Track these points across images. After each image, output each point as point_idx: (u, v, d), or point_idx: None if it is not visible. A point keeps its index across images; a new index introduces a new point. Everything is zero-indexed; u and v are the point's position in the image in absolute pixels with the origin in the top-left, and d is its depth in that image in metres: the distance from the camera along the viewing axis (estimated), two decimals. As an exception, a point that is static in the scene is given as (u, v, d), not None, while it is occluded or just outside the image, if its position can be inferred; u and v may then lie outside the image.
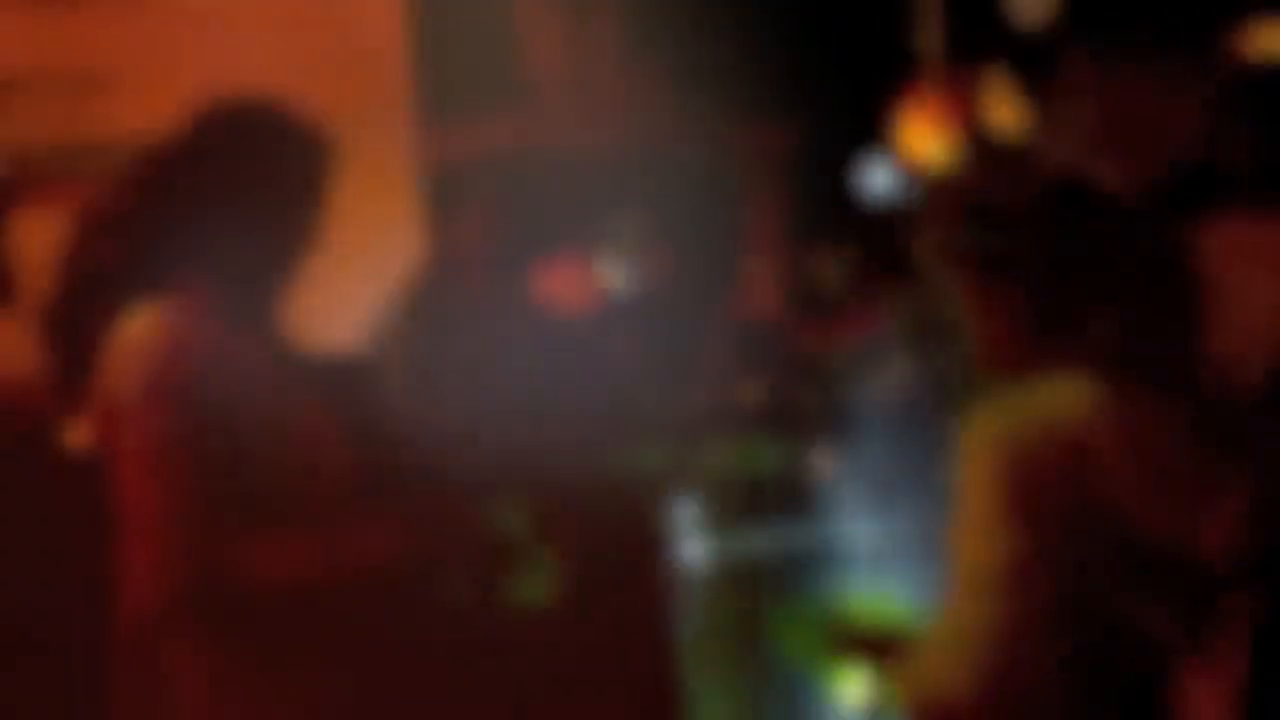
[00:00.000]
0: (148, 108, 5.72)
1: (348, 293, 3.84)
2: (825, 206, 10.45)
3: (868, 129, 8.85)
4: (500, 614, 1.80)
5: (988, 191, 1.48)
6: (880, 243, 3.30)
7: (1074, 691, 1.32)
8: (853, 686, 1.48)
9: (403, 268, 5.13)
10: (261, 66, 5.50)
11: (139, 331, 1.62)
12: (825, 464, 2.79)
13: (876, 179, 9.01)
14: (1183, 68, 8.32)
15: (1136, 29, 8.03)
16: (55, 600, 2.20)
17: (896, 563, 2.26)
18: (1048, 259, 1.39)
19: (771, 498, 2.59)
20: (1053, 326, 1.39)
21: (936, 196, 3.11)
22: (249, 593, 1.60)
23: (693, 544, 2.18)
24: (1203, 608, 1.37)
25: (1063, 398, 1.35)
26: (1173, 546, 1.33)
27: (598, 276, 6.71)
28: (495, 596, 1.78)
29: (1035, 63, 8.31)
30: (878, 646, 1.49)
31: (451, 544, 1.82)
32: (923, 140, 11.97)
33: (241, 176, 1.70)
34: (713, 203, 12.63)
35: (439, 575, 1.83)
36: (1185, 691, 1.37)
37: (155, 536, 1.58)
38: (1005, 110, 8.74)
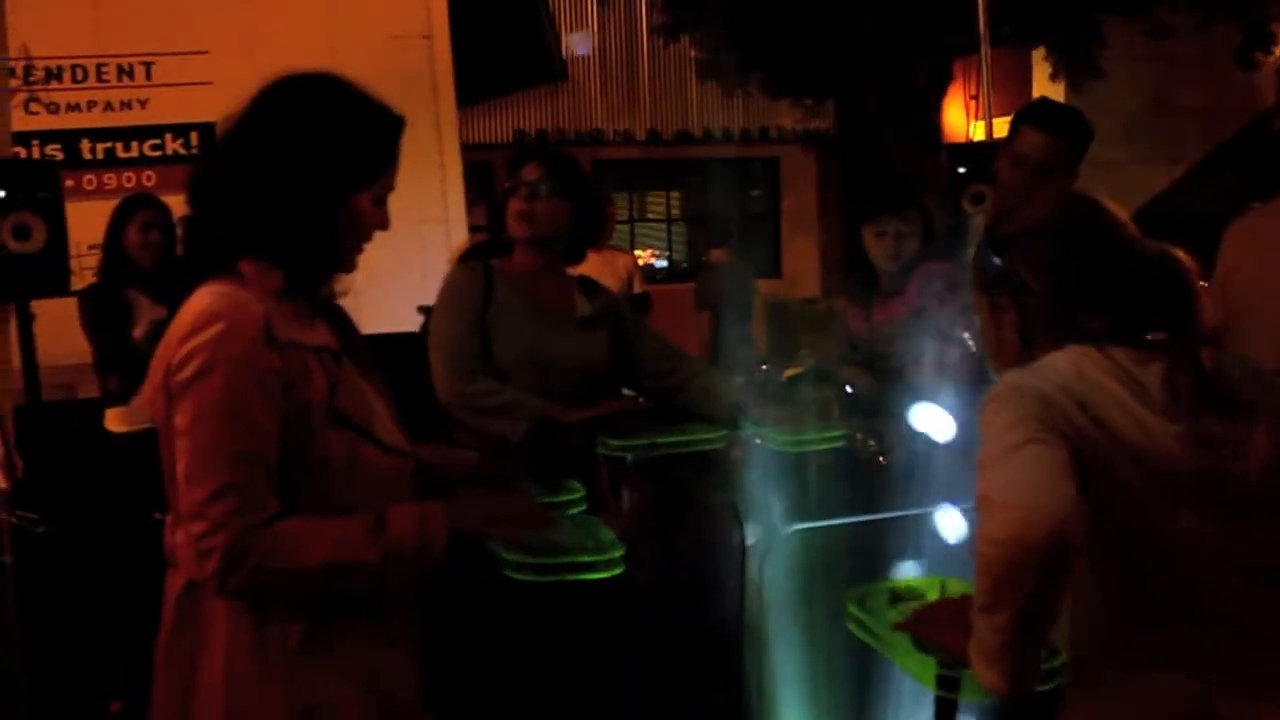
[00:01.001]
0: (193, 92, 5.80)
1: (393, 275, 3.88)
2: (867, 186, 10.42)
3: (908, 109, 8.78)
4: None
5: (998, 216, 1.71)
6: (923, 221, 3.23)
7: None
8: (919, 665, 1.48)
9: (446, 250, 5.14)
10: (313, 49, 5.55)
11: (204, 306, 1.64)
12: (880, 446, 2.76)
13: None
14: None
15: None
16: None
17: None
18: (1047, 280, 1.57)
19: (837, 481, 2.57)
20: (1051, 335, 1.55)
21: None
22: (280, 573, 1.61)
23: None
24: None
25: (1067, 361, 1.50)
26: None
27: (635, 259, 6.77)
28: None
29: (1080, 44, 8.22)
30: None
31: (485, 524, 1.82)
32: (969, 120, 11.94)
33: (308, 148, 1.67)
34: (753, 184, 12.63)
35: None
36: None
37: (198, 500, 1.59)
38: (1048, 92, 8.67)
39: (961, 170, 3.92)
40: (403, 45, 6.05)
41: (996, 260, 1.62)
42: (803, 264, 12.26)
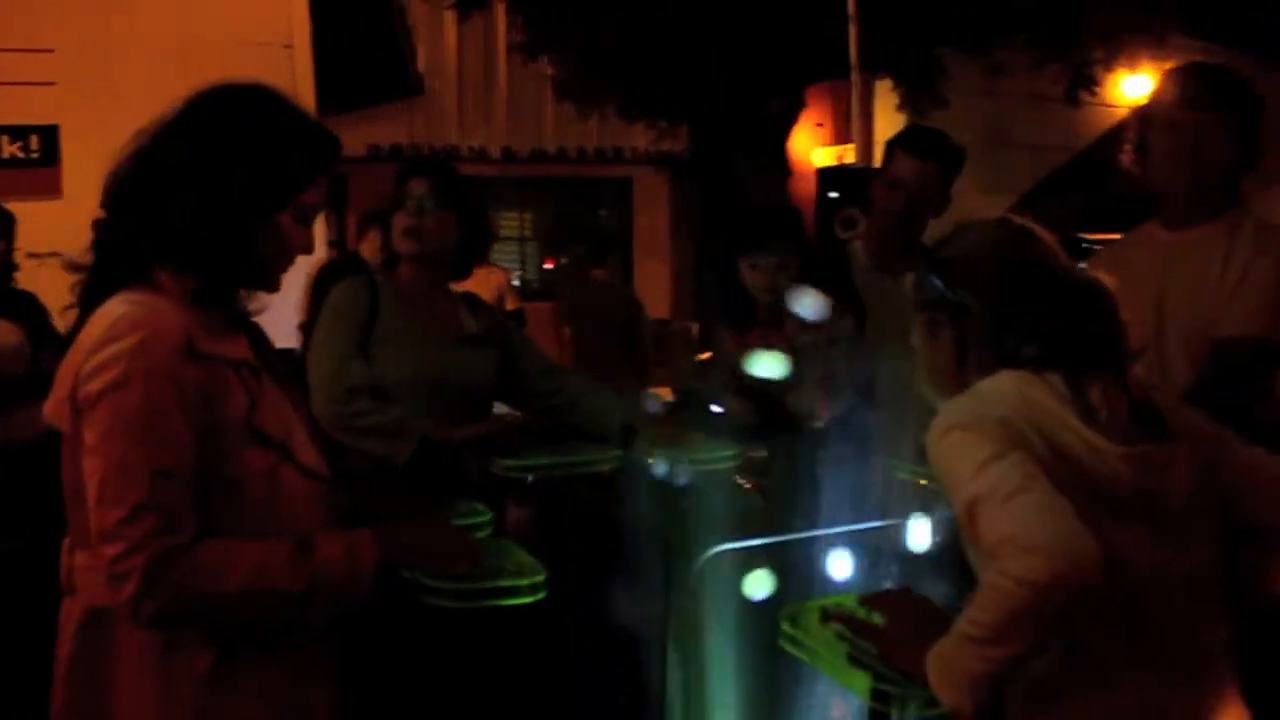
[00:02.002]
0: (35, 92, 5.49)
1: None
2: (718, 211, 10.58)
3: (760, 135, 8.97)
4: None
5: (939, 240, 1.78)
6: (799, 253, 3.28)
7: None
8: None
9: (308, 265, 5.00)
10: (166, 52, 5.33)
11: (120, 314, 1.56)
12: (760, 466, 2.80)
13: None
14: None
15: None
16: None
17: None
18: (985, 303, 1.63)
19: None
20: (985, 356, 1.63)
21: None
22: (200, 599, 1.53)
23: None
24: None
25: (1009, 386, 1.56)
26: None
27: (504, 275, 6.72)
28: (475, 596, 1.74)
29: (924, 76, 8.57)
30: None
31: (414, 555, 1.77)
32: (813, 147, 12.28)
33: (234, 159, 1.62)
34: (605, 205, 12.70)
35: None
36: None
37: (113, 520, 1.50)
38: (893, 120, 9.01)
39: (833, 194, 4.01)
40: (263, 53, 5.87)
41: (937, 282, 1.67)
42: (655, 285, 12.35)
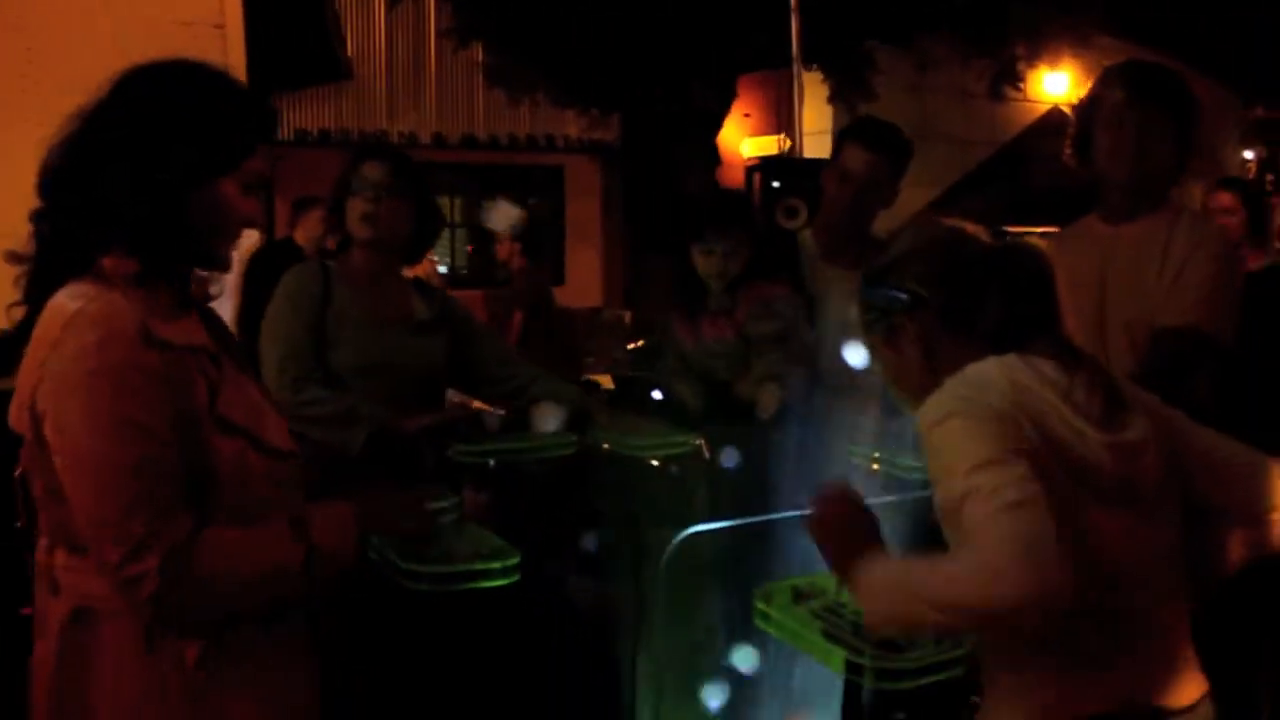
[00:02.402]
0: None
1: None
2: (649, 200, 10.59)
3: (691, 124, 9.00)
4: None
5: (872, 259, 1.76)
6: (750, 240, 3.30)
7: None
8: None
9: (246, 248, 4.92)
10: (95, 30, 5.20)
11: (74, 310, 1.53)
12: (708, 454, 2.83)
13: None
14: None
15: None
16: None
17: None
18: (939, 287, 1.64)
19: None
20: (952, 343, 1.64)
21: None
22: (219, 585, 1.53)
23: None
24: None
25: (998, 373, 1.55)
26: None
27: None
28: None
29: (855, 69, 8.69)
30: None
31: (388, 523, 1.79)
32: (744, 137, 12.37)
33: (160, 128, 1.59)
34: (536, 193, 12.66)
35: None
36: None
37: (111, 522, 1.49)
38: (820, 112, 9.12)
39: (775, 184, 4.04)
40: (193, 33, 5.72)
41: (883, 290, 1.68)
42: (586, 273, 12.38)
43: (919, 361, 1.66)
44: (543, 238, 10.17)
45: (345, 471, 2.56)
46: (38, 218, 1.64)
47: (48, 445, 1.54)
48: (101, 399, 1.49)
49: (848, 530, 1.55)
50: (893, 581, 1.45)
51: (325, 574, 1.62)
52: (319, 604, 1.73)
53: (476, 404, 3.30)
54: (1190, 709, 1.57)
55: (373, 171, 2.77)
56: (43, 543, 1.64)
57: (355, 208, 2.78)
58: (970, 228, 1.72)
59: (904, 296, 1.66)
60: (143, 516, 1.47)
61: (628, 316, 10.39)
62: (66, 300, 1.55)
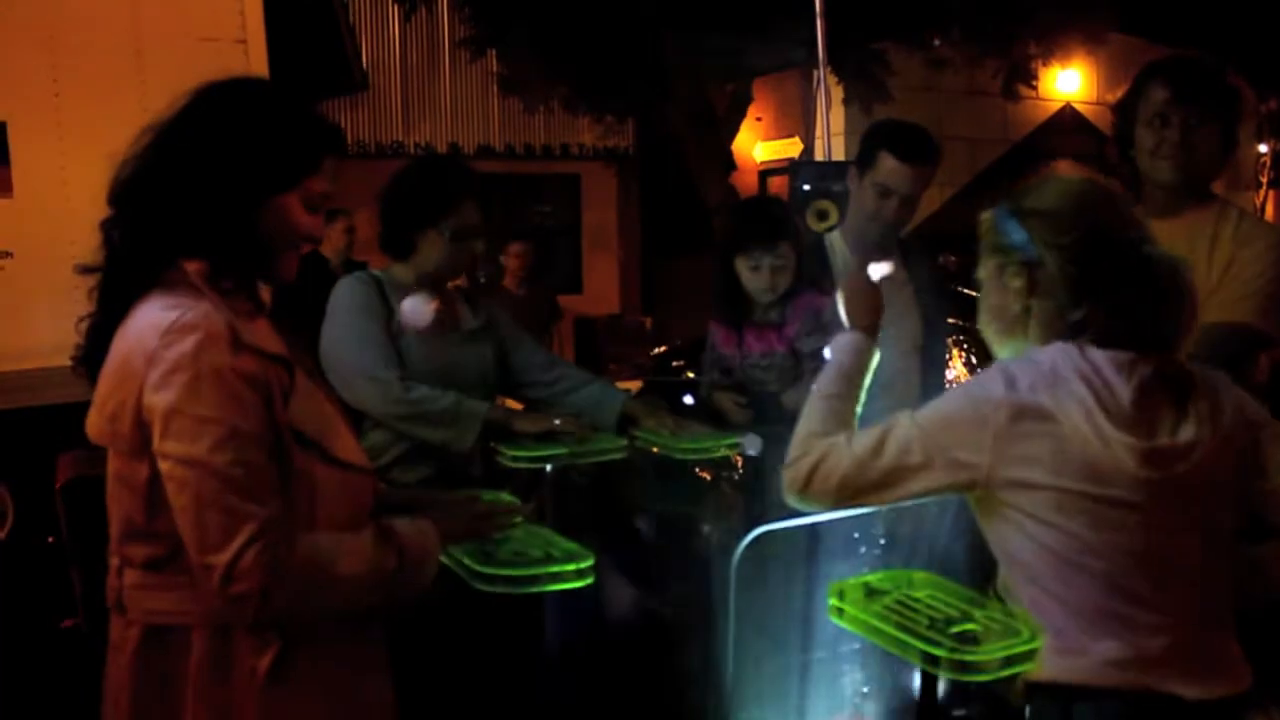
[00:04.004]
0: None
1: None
2: (665, 206, 10.64)
3: (706, 129, 9.03)
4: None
5: (1022, 189, 1.76)
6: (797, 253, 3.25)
7: None
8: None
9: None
10: (118, 46, 5.23)
11: (170, 320, 1.56)
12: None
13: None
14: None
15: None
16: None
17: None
18: (1062, 261, 1.66)
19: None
20: (1051, 313, 1.67)
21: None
22: (321, 584, 1.56)
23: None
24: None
25: (1045, 355, 1.64)
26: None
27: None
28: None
29: (869, 71, 8.70)
30: None
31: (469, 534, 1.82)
32: (757, 141, 12.38)
33: (225, 144, 1.64)
34: (552, 201, 12.68)
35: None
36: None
37: (216, 525, 1.51)
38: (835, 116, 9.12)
39: (806, 187, 4.04)
40: (216, 49, 5.76)
41: (1017, 230, 1.68)
42: (603, 280, 12.39)
43: (1017, 310, 1.69)
44: (559, 246, 10.25)
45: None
46: (108, 226, 1.68)
47: (143, 458, 1.56)
48: (203, 404, 1.51)
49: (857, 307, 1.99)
50: (822, 387, 1.85)
51: (412, 583, 1.65)
52: (396, 617, 1.76)
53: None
54: (1216, 703, 1.60)
55: (471, 215, 2.79)
56: (113, 563, 1.66)
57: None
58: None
59: (1032, 249, 1.67)
60: (252, 521, 1.50)
61: (648, 323, 10.42)
62: (159, 311, 1.58)
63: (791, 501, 1.75)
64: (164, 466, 1.54)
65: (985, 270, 1.75)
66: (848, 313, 2.04)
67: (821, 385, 1.86)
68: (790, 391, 3.03)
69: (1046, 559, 1.62)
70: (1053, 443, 1.58)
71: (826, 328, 3.01)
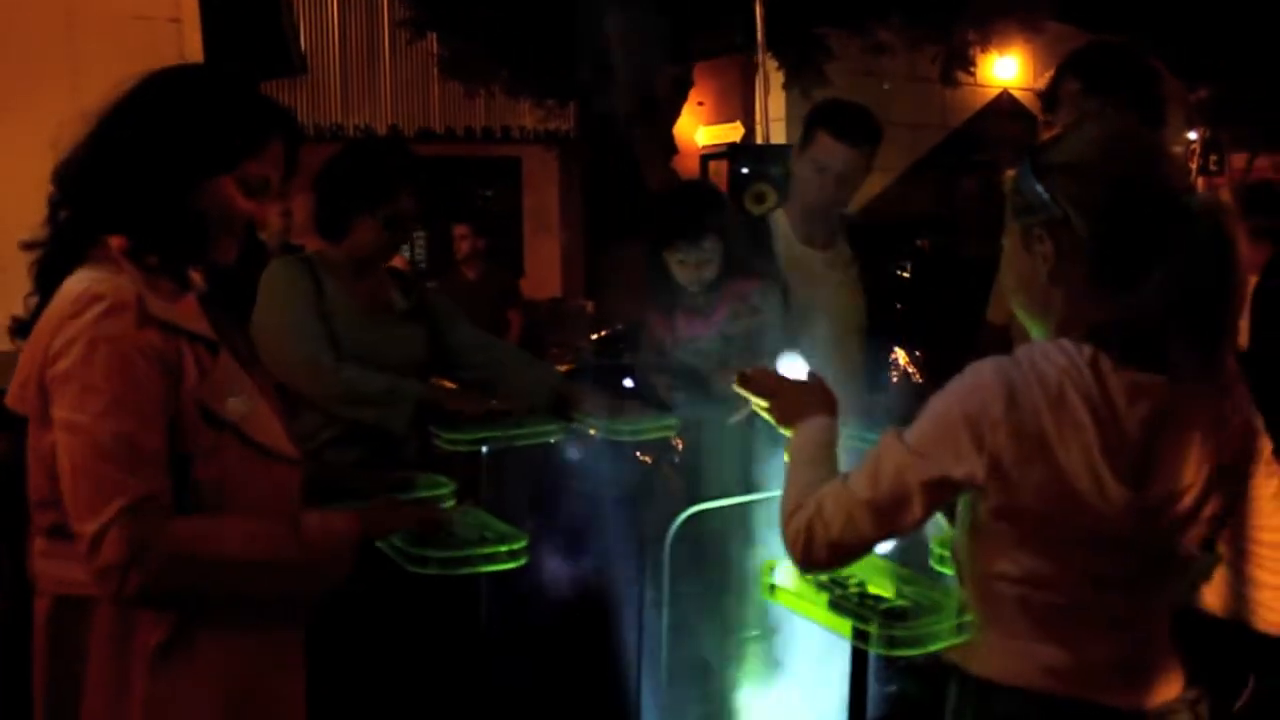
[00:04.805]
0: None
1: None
2: (607, 190, 10.61)
3: (648, 113, 9.02)
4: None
5: (1044, 142, 1.60)
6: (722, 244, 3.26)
7: None
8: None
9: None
10: (50, 23, 5.12)
11: (81, 290, 1.57)
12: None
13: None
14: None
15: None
16: None
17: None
18: (1091, 221, 1.47)
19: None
20: (1080, 282, 1.50)
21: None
22: (192, 565, 1.53)
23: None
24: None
25: (1054, 374, 1.46)
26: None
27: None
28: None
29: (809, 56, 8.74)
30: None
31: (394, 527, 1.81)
32: (699, 125, 12.39)
33: (163, 125, 1.65)
34: (494, 185, 12.62)
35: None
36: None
37: (89, 492, 1.50)
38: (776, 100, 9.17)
39: (745, 170, 4.06)
40: (149, 27, 5.65)
41: (1039, 188, 1.51)
42: (545, 264, 12.36)
43: (1044, 280, 1.53)
44: (501, 229, 10.19)
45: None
46: (53, 203, 1.69)
47: (47, 425, 1.56)
48: (98, 374, 1.52)
49: (797, 394, 1.81)
50: (800, 458, 1.67)
51: (320, 577, 1.64)
52: (316, 607, 1.74)
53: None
54: (1165, 709, 1.56)
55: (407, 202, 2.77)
56: (35, 539, 1.65)
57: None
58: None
59: (1054, 208, 1.50)
60: (124, 492, 1.49)
61: (589, 306, 10.41)
62: (74, 282, 1.60)
63: (800, 569, 1.59)
64: (54, 432, 1.54)
65: (1010, 236, 1.59)
66: (787, 419, 1.81)
67: (796, 457, 1.69)
68: (718, 377, 3.06)
69: (1014, 569, 1.54)
70: (1047, 472, 1.46)
71: (755, 310, 3.09)
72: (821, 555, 1.52)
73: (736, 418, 2.84)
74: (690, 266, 3.11)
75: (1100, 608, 1.53)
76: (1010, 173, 1.58)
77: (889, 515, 1.50)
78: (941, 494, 1.51)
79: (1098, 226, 1.48)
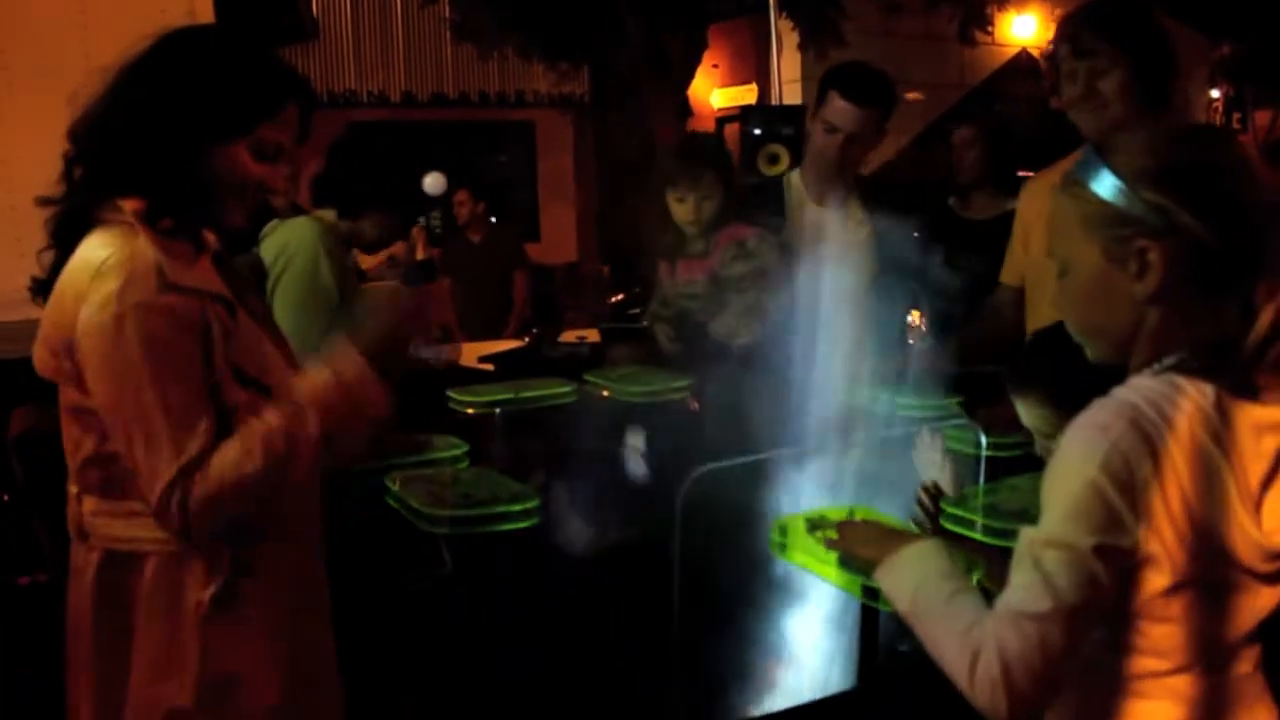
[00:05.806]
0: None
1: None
2: (621, 154, 10.55)
3: (662, 75, 8.97)
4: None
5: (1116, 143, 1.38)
6: (723, 184, 3.31)
7: None
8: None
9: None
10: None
11: (99, 260, 1.59)
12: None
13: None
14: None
15: None
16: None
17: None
18: (1220, 225, 1.29)
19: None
20: (1198, 297, 1.31)
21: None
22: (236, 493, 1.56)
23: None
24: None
25: (1185, 427, 1.27)
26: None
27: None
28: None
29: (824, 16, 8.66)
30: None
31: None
32: (714, 88, 12.32)
33: (178, 87, 1.66)
34: (508, 150, 12.58)
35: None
36: None
37: (134, 461, 1.55)
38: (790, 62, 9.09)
39: (757, 132, 4.07)
40: (167, -2, 5.66)
41: (1144, 195, 1.29)
42: (560, 228, 12.33)
43: (1138, 299, 1.32)
44: (515, 194, 10.16)
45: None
46: (68, 162, 1.70)
47: (87, 392, 1.59)
48: (125, 344, 1.54)
49: (878, 535, 1.50)
50: (909, 586, 1.37)
51: (353, 424, 1.66)
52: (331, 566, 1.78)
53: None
54: None
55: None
56: (72, 491, 1.68)
57: None
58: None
59: (1165, 217, 1.28)
60: (173, 461, 1.53)
61: (606, 270, 10.39)
62: (93, 249, 1.61)
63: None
64: (95, 403, 1.58)
65: (1084, 261, 1.35)
66: (870, 554, 1.50)
67: (932, 595, 1.37)
68: (715, 322, 3.10)
69: (1164, 664, 1.34)
70: (1203, 532, 1.27)
71: (749, 255, 3.12)
72: (1033, 693, 1.24)
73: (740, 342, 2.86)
74: (688, 205, 3.15)
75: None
76: (1068, 190, 1.36)
77: (1084, 609, 1.25)
78: (1118, 560, 1.26)
79: (1229, 231, 1.29)
